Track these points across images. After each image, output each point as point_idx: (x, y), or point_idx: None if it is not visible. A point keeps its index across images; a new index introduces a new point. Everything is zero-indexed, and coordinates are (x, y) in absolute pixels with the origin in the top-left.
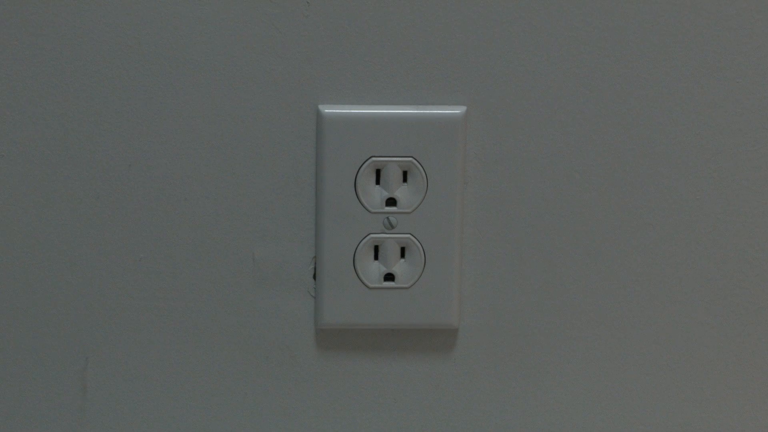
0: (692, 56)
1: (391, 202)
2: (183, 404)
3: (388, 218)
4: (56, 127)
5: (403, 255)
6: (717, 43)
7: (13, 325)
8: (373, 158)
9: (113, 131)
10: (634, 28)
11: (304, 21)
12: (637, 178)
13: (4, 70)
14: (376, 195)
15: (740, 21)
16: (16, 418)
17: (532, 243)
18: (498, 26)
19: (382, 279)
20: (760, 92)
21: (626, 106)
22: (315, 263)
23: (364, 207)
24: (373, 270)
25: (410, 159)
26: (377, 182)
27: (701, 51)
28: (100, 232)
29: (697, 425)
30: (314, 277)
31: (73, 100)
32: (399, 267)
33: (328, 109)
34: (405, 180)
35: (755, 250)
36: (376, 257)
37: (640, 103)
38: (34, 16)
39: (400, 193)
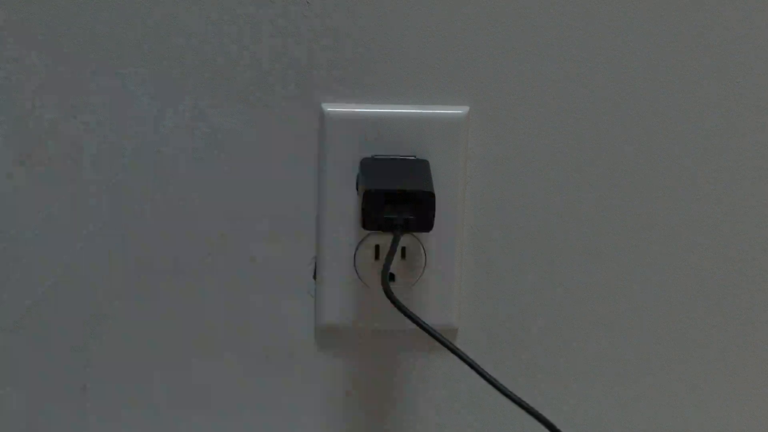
0: (692, 56)
1: None
2: (183, 404)
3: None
4: (59, 126)
5: (403, 255)
6: (717, 43)
7: (13, 326)
8: (376, 157)
9: (111, 132)
10: (635, 29)
11: (305, 21)
12: (637, 178)
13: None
14: None
15: (740, 21)
16: (16, 419)
17: (532, 243)
18: (501, 26)
19: None
20: (761, 92)
21: (627, 106)
22: (315, 263)
23: None
24: (374, 270)
25: (412, 158)
26: None
27: (701, 51)
28: (99, 232)
29: (697, 425)
30: (314, 277)
31: (75, 99)
32: (400, 267)
33: (331, 108)
34: None
35: (755, 250)
36: (376, 257)
37: (641, 104)
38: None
39: None
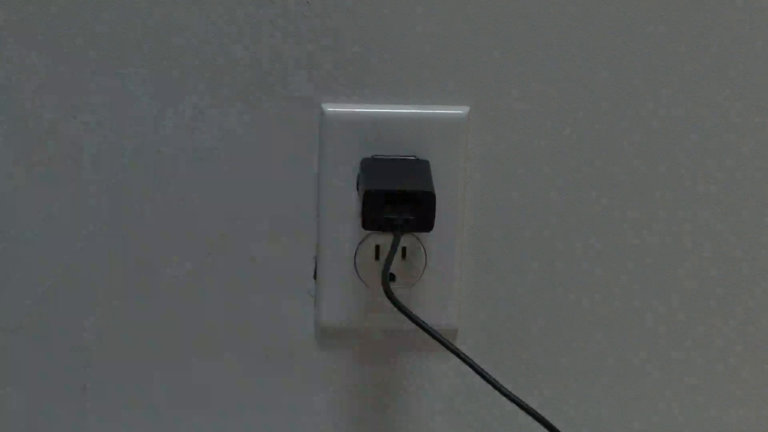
0: (692, 56)
1: None
2: (183, 404)
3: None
4: (58, 126)
5: (403, 255)
6: (717, 43)
7: (13, 326)
8: (376, 157)
9: (111, 132)
10: (635, 29)
11: (306, 20)
12: (637, 178)
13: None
14: None
15: (740, 21)
16: (16, 418)
17: (532, 243)
18: (501, 26)
19: None
20: (761, 92)
21: (627, 106)
22: (315, 263)
23: None
24: (374, 270)
25: (412, 158)
26: None
27: (701, 51)
28: (99, 232)
29: (697, 425)
30: (314, 277)
31: (75, 99)
32: (400, 267)
33: (331, 108)
34: None
35: (755, 250)
36: (376, 257)
37: (641, 104)
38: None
39: None
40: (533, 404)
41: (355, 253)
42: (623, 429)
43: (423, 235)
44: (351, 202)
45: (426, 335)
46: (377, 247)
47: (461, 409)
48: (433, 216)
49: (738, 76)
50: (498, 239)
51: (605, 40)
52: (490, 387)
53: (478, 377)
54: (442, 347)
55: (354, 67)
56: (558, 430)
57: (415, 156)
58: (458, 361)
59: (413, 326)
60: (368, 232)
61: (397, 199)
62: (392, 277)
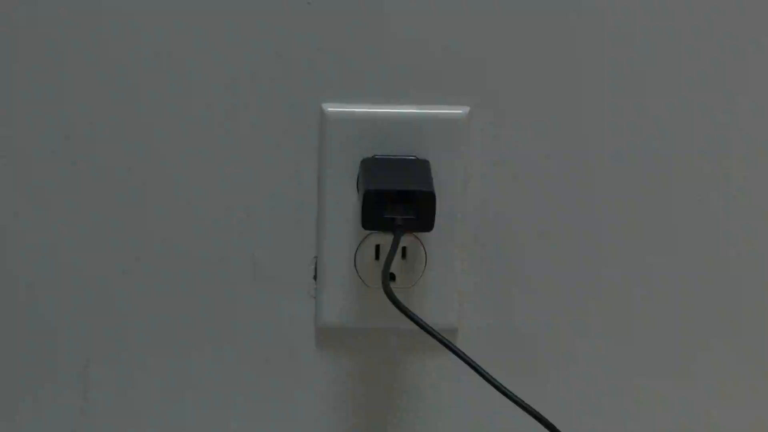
0: (692, 57)
1: None
2: (183, 405)
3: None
4: (56, 128)
5: (403, 255)
6: (717, 44)
7: (13, 326)
8: (376, 157)
9: (112, 132)
10: (635, 29)
11: (306, 20)
12: (637, 178)
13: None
14: None
15: (740, 21)
16: (16, 418)
17: (532, 243)
18: (501, 26)
19: None
20: (761, 92)
21: (627, 106)
22: (315, 263)
23: None
24: (374, 270)
25: (412, 158)
26: None
27: (702, 52)
28: (100, 232)
29: (697, 425)
30: (314, 277)
31: (73, 100)
32: (400, 267)
33: (331, 108)
34: None
35: (755, 250)
36: (376, 257)
37: (641, 105)
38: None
39: None
40: (533, 404)
41: (355, 253)
42: (623, 429)
43: (423, 235)
44: (351, 202)
45: (426, 335)
46: (377, 247)
47: (461, 409)
48: (434, 216)
49: (738, 76)
50: (498, 239)
51: (606, 39)
52: (490, 387)
53: (478, 377)
54: (442, 347)
55: (354, 67)
56: (558, 430)
57: (415, 156)
58: (458, 361)
59: (413, 326)
60: (368, 232)
61: (397, 199)
62: (392, 277)
